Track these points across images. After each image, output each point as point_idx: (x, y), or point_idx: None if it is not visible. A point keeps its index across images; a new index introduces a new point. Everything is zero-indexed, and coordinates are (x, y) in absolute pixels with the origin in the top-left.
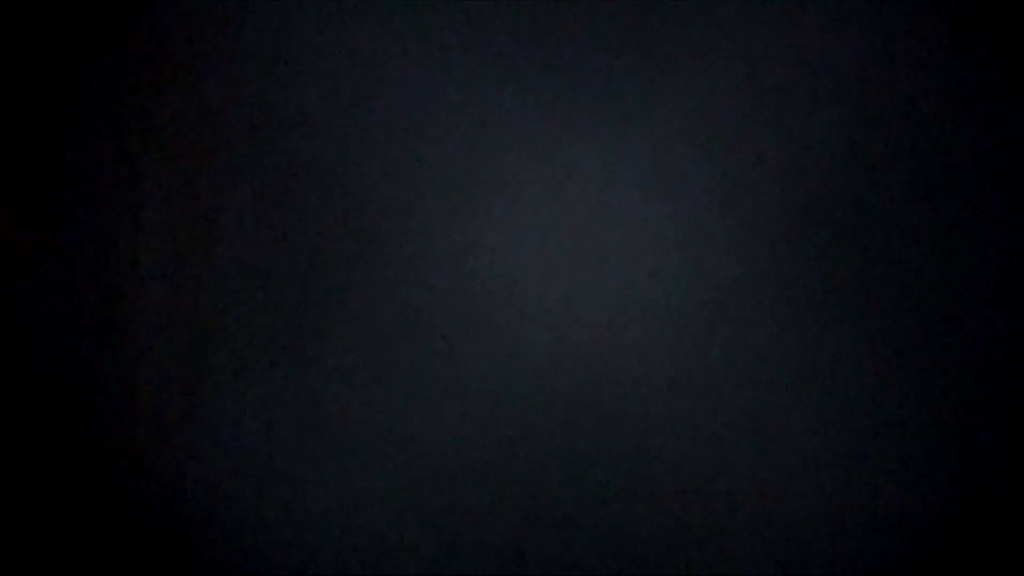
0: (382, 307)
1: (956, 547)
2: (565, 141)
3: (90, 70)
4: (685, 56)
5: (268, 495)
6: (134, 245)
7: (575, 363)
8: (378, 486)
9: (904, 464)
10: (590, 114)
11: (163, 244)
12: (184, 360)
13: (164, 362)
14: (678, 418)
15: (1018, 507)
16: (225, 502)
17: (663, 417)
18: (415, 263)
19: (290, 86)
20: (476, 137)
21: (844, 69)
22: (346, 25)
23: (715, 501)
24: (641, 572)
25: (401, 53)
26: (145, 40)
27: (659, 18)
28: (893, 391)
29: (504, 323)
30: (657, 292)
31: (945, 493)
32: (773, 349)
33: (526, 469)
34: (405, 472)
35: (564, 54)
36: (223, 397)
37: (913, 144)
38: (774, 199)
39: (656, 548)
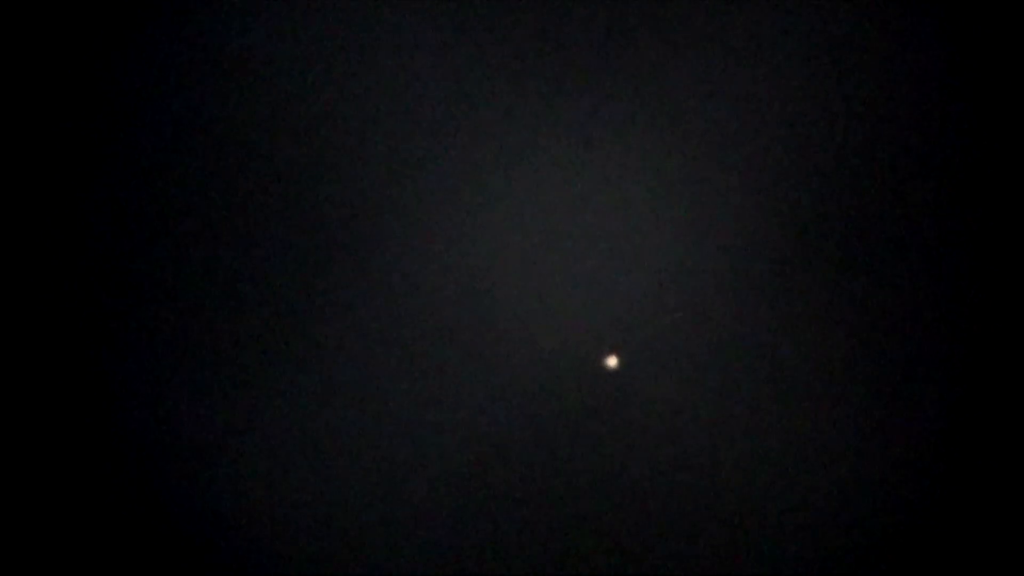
0: (381, 308)
1: (956, 547)
2: (568, 141)
3: (87, 67)
4: (687, 55)
5: (266, 495)
6: (132, 244)
7: (575, 363)
8: (377, 487)
9: (905, 464)
10: (592, 115)
11: (161, 242)
12: (182, 358)
13: (162, 360)
14: (680, 417)
15: (1018, 506)
16: (223, 502)
17: (664, 417)
18: (415, 263)
19: (288, 85)
20: (474, 137)
21: (850, 70)
22: (344, 23)
23: (717, 502)
24: (641, 572)
25: (401, 51)
26: (143, 38)
27: (660, 16)
28: (895, 392)
29: (504, 324)
30: (658, 291)
31: (945, 493)
32: (776, 350)
33: (527, 470)
34: (404, 473)
35: (565, 54)
36: (218, 397)
37: (920, 146)
38: (777, 199)
39: (658, 548)
